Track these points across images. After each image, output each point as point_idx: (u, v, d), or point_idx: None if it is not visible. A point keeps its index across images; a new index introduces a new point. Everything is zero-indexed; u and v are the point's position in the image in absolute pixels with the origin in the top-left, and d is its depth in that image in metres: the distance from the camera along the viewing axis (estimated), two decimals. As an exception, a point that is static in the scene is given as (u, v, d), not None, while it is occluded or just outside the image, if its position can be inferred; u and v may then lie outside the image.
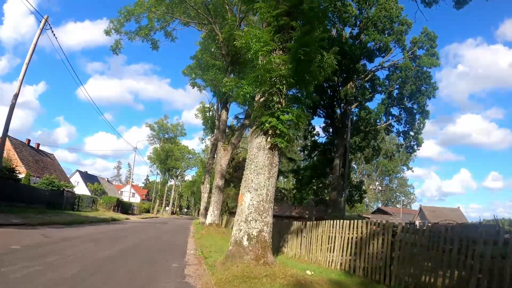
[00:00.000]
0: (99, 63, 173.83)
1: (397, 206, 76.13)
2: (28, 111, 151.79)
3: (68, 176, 78.47)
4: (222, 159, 18.93)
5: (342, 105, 30.15)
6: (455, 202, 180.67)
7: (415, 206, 77.28)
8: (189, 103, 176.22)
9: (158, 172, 65.51)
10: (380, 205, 78.04)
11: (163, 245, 12.20)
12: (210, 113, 39.31)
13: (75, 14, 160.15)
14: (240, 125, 20.90)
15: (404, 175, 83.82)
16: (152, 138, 61.30)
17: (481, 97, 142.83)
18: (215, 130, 34.54)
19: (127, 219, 29.66)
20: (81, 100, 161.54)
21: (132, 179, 65.35)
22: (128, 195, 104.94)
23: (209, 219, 18.42)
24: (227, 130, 22.84)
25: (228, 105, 20.58)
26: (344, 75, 28.62)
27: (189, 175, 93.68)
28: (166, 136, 62.10)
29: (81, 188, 65.21)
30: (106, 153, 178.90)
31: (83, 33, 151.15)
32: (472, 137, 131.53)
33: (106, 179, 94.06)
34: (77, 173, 77.72)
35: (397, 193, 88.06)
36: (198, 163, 59.28)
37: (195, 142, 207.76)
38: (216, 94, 21.81)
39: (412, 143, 33.53)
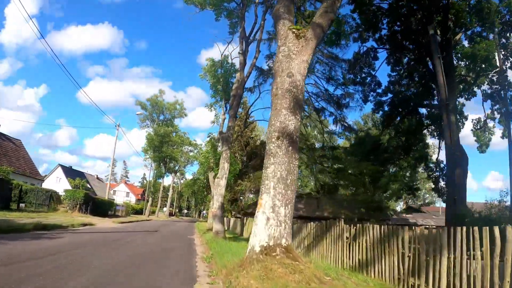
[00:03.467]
0: (101, 67, 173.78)
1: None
2: (30, 114, 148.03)
3: (48, 173, 66.91)
4: (295, 61, 6.41)
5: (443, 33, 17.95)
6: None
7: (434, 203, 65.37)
8: (189, 107, 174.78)
9: (152, 164, 51.60)
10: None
11: None
12: (222, 70, 27.00)
13: (76, 18, 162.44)
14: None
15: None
16: (141, 114, 46.52)
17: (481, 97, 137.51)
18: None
19: (85, 225, 16.86)
20: (82, 102, 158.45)
21: (113, 170, 52.70)
22: (122, 195, 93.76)
23: (263, 233, 5.77)
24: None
25: None
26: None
27: (189, 174, 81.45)
28: (162, 117, 48.22)
29: (63, 186, 52.96)
30: (106, 155, 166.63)
31: (85, 37, 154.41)
32: (471, 137, 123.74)
33: (96, 176, 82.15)
34: (59, 168, 66.44)
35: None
36: (200, 156, 45.76)
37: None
38: None
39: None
